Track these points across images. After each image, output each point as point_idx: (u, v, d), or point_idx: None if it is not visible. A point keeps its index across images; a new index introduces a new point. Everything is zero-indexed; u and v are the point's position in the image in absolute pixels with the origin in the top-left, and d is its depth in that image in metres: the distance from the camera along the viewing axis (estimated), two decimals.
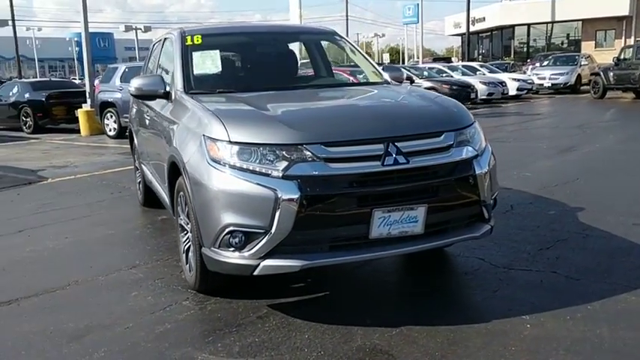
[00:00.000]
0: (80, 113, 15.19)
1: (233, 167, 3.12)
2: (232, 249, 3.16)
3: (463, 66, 24.50)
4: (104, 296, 3.82)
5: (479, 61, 32.59)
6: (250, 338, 3.11)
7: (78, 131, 15.33)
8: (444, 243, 3.49)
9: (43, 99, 15.63)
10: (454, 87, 18.86)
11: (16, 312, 3.62)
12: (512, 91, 22.16)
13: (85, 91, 15.96)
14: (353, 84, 4.79)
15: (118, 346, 3.08)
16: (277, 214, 2.99)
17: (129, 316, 3.46)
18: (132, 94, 4.37)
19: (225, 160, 3.15)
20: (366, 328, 3.16)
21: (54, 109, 15.76)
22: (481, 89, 20.27)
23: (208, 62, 4.53)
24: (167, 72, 4.73)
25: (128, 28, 38.24)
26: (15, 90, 16.80)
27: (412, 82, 18.90)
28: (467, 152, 3.40)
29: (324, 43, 5.22)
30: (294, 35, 5.21)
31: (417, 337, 3.06)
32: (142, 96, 4.36)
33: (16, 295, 3.85)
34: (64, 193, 7.42)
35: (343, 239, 3.18)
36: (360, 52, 4.96)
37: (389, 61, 58.70)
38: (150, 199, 5.87)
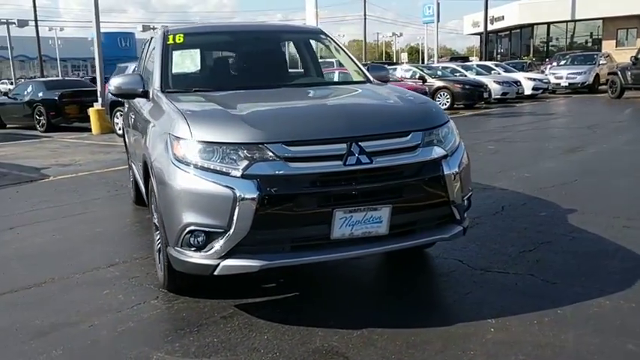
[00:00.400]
0: (91, 112, 15.36)
1: (195, 166, 3.11)
2: (194, 248, 3.15)
3: (478, 65, 24.23)
4: (76, 294, 3.84)
5: (498, 61, 32.23)
6: (209, 338, 3.09)
7: (90, 130, 15.51)
8: (411, 244, 3.42)
9: (56, 98, 15.83)
10: (467, 86, 18.70)
11: None
12: (528, 91, 21.87)
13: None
14: (332, 83, 4.75)
15: (78, 344, 3.09)
16: (235, 213, 2.96)
17: (95, 315, 3.46)
18: (112, 93, 4.38)
19: (188, 158, 3.14)
20: (328, 330, 3.12)
21: (66, 107, 15.94)
22: (495, 89, 20.02)
23: (188, 61, 4.53)
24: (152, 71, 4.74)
25: (146, 28, 38.50)
26: (29, 89, 17.06)
27: (424, 81, 18.80)
28: (435, 152, 3.33)
29: (313, 42, 5.18)
30: (278, 34, 5.18)
31: (377, 339, 3.01)
32: (122, 95, 4.36)
33: None
34: (62, 190, 7.49)
35: (305, 239, 3.15)
36: (344, 52, 4.92)
37: (406, 61, 58.46)
38: (141, 197, 5.88)
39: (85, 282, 4.05)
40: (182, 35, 4.61)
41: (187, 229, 3.11)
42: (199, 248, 3.13)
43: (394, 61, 61.44)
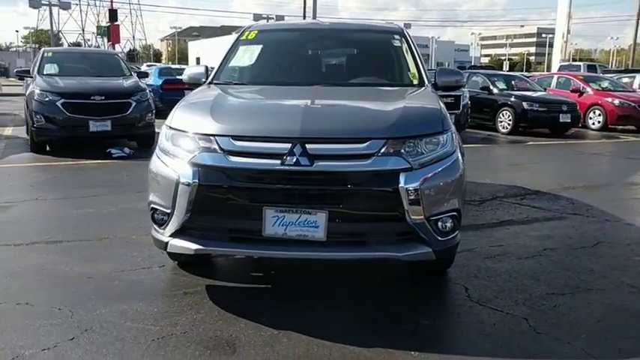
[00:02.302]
0: None
1: (163, 150, 3.43)
2: (157, 225, 3.48)
3: None
4: (115, 251, 4.43)
5: None
6: (152, 307, 3.39)
7: None
8: (356, 256, 3.25)
9: None
10: None
11: (44, 250, 4.42)
12: None
13: None
14: (376, 84, 4.51)
15: (65, 290, 3.63)
16: (177, 197, 3.21)
17: (105, 269, 3.99)
18: (184, 81, 4.89)
19: (162, 143, 3.48)
20: (252, 324, 3.18)
21: None
22: None
23: (247, 56, 4.82)
24: None
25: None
26: None
27: None
28: (392, 163, 3.10)
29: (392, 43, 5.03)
30: (347, 33, 5.13)
31: (284, 342, 2.99)
32: (191, 83, 4.84)
33: (61, 238, 4.70)
34: None
35: (240, 232, 3.24)
36: (413, 55, 4.69)
37: None
38: None
39: (133, 242, 4.64)
40: (256, 31, 4.94)
41: (150, 207, 3.46)
42: (160, 225, 3.44)
43: None
